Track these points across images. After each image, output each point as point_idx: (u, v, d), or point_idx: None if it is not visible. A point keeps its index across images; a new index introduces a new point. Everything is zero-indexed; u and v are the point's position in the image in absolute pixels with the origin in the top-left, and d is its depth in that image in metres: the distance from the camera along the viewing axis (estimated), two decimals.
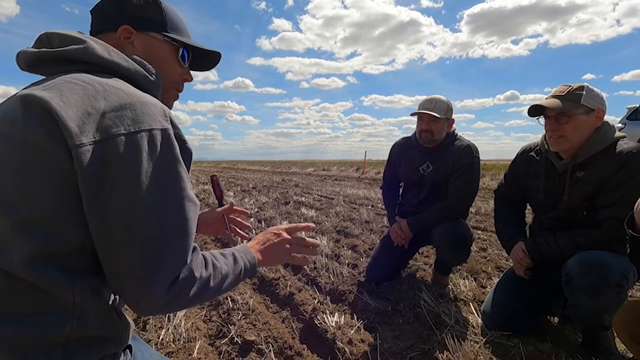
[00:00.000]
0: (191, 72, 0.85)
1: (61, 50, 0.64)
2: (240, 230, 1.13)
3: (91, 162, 0.53)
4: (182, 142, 0.62)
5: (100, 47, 0.65)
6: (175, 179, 0.59)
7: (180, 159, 0.60)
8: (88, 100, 0.55)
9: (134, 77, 0.67)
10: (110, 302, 0.64)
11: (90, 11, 0.76)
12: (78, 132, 0.53)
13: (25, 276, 0.53)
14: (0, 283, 0.54)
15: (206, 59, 0.87)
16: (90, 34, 0.74)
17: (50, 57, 0.65)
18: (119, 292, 0.61)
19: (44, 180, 0.54)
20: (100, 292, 0.61)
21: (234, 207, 1.12)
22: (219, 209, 1.10)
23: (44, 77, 0.65)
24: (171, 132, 0.60)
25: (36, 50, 0.65)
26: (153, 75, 0.71)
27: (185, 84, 0.83)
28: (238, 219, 1.13)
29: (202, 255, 0.66)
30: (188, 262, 0.61)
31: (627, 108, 8.56)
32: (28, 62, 0.66)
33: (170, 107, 0.79)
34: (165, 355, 1.33)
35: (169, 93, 0.80)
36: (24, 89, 0.61)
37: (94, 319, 0.60)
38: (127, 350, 0.71)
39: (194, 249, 0.64)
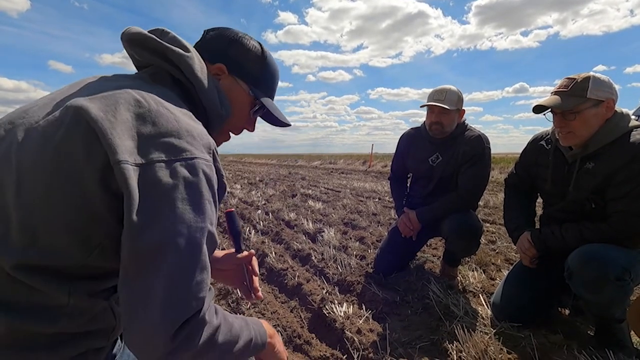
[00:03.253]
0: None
1: (167, 46, 0.68)
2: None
3: (133, 180, 0.52)
4: (220, 175, 0.63)
5: (198, 64, 0.70)
6: (202, 212, 0.56)
7: (213, 192, 0.59)
8: (137, 122, 0.56)
9: (206, 101, 0.71)
10: (106, 300, 0.64)
11: (205, 31, 0.81)
12: (123, 150, 0.53)
13: (19, 278, 0.54)
14: (3, 276, 0.55)
15: (275, 119, 0.87)
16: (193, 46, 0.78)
17: (154, 46, 0.68)
18: (125, 324, 0.54)
19: (65, 196, 0.54)
20: (97, 294, 0.62)
21: (254, 258, 0.95)
22: (239, 256, 0.92)
23: (112, 76, 0.68)
24: (210, 164, 0.60)
25: (146, 33, 0.69)
26: (223, 109, 0.74)
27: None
28: (255, 270, 0.94)
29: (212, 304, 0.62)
30: (205, 302, 0.56)
31: None
32: (132, 37, 0.69)
33: (217, 145, 0.81)
34: None
35: (224, 133, 0.83)
36: (85, 87, 0.62)
37: (86, 317, 0.60)
38: (116, 340, 0.70)
39: (209, 288, 0.59)
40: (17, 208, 0.54)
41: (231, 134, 0.85)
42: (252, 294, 0.91)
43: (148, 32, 0.70)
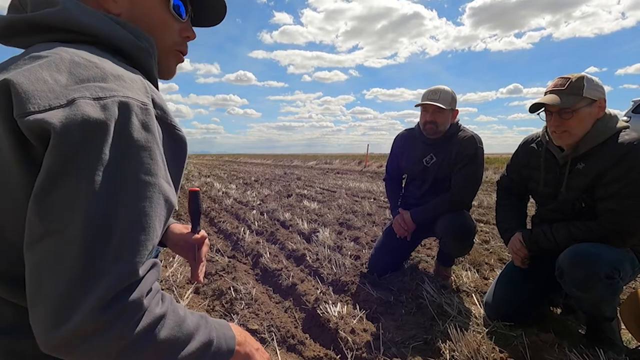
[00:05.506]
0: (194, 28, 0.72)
1: (32, 15, 0.53)
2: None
3: (41, 132, 0.42)
4: (169, 126, 0.53)
5: (77, 10, 0.54)
6: (140, 163, 0.46)
7: (156, 140, 0.48)
8: (49, 72, 0.45)
9: (121, 44, 0.56)
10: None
11: None
12: (30, 98, 0.42)
13: None
14: None
15: (208, 10, 0.72)
16: None
17: (22, 24, 0.54)
18: (29, 300, 0.42)
19: None
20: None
21: (206, 242, 0.89)
22: (196, 237, 0.86)
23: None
24: (150, 108, 0.49)
25: (5, 16, 0.55)
26: (143, 41, 0.58)
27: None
28: (202, 257, 0.88)
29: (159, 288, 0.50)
30: (139, 275, 0.44)
31: (632, 101, 8.47)
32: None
33: (173, 72, 0.69)
34: None
35: (168, 57, 0.67)
36: None
37: None
38: None
39: (154, 264, 0.48)
40: None
41: (178, 53, 0.70)
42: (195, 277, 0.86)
43: (7, 13, 0.58)
